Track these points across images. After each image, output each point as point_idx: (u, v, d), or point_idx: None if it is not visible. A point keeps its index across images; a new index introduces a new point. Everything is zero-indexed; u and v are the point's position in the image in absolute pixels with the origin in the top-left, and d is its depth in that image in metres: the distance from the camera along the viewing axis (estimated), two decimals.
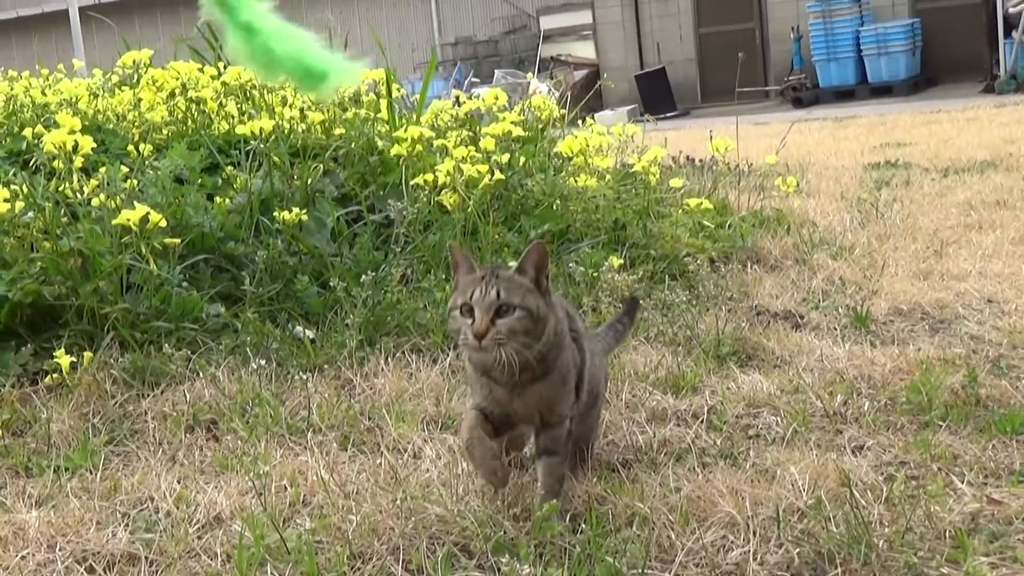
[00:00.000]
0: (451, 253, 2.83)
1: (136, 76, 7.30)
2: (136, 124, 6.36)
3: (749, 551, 2.62)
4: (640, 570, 2.54)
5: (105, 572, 2.79)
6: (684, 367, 4.09)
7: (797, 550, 2.59)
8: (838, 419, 3.53)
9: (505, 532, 2.78)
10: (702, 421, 3.58)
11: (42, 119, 6.36)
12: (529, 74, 12.86)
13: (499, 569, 2.55)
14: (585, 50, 25.84)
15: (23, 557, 2.88)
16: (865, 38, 20.64)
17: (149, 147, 5.65)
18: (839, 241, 6.19)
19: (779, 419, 3.56)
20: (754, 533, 2.70)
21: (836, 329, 4.53)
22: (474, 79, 23.79)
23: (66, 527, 3.04)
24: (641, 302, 3.96)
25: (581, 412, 3.01)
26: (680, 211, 5.95)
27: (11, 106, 7.06)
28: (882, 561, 2.51)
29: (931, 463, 3.11)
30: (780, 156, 7.46)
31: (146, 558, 2.84)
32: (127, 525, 3.06)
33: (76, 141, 4.59)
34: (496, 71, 24.56)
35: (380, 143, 5.84)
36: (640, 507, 2.86)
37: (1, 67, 7.98)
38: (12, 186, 4.68)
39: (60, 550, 2.91)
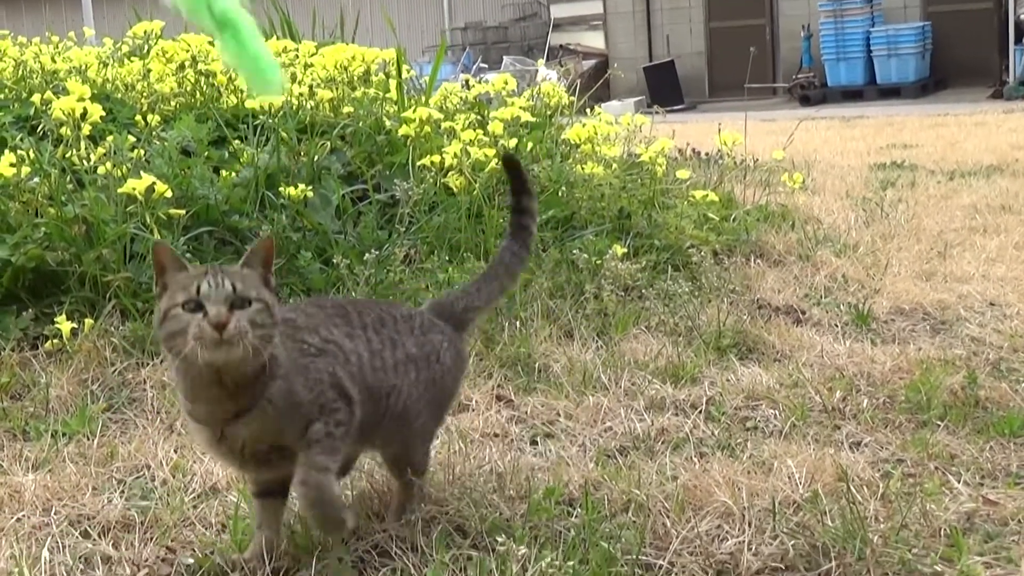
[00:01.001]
0: (155, 254, 2.40)
1: (146, 47, 7.29)
2: (145, 94, 6.35)
3: (744, 541, 2.62)
4: (634, 556, 2.54)
5: (100, 537, 2.79)
6: (684, 357, 4.10)
7: (792, 542, 2.59)
8: (836, 415, 3.53)
9: (500, 513, 2.78)
10: (701, 411, 3.59)
11: (51, 86, 6.34)
12: (540, 60, 12.80)
13: (494, 549, 2.55)
14: (594, 40, 25.79)
15: (18, 519, 2.88)
16: (875, 39, 20.60)
17: (157, 118, 5.64)
18: (843, 239, 6.18)
19: (778, 412, 3.57)
20: (749, 524, 2.71)
21: (837, 326, 4.54)
22: (482, 64, 23.73)
23: (62, 491, 3.05)
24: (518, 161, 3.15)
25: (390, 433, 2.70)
26: (685, 203, 5.95)
27: (20, 71, 7.05)
28: (876, 557, 2.51)
29: (928, 462, 3.12)
30: (786, 153, 7.47)
31: (141, 525, 2.84)
32: (123, 492, 3.07)
33: (85, 109, 4.59)
34: (505, 57, 24.51)
35: (388, 123, 5.83)
36: (636, 494, 2.87)
37: (11, 33, 7.95)
38: (19, 151, 4.68)
39: (55, 514, 2.92)
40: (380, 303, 2.88)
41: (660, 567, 2.54)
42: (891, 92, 20.21)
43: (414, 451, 2.77)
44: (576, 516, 2.76)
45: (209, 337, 2.25)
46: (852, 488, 2.84)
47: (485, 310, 3.00)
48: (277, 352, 2.40)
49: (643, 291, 4.80)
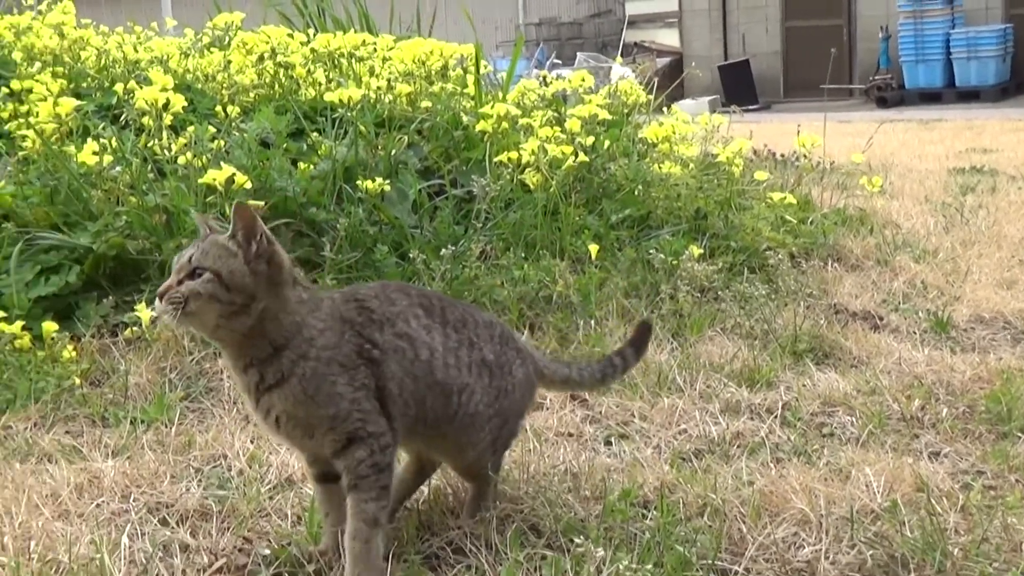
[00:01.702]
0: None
1: (226, 38, 7.35)
2: (225, 85, 6.40)
3: (821, 550, 2.60)
4: (710, 561, 2.52)
5: (178, 525, 2.82)
6: (760, 361, 4.07)
7: (870, 552, 2.56)
8: (915, 423, 3.49)
9: (575, 513, 2.78)
10: (776, 416, 3.56)
11: (133, 75, 6.41)
12: (618, 58, 12.76)
13: (568, 550, 2.55)
14: (669, 38, 25.68)
15: (98, 505, 2.92)
16: (955, 41, 20.31)
17: (236, 109, 5.69)
18: (922, 244, 6.11)
19: (854, 419, 3.53)
20: (826, 532, 2.68)
21: (916, 333, 4.49)
22: (556, 60, 23.70)
23: (140, 478, 3.08)
24: (652, 327, 3.38)
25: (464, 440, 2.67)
26: (762, 204, 5.91)
27: (103, 61, 7.12)
28: (957, 570, 2.48)
29: (1009, 474, 3.08)
30: (864, 155, 7.39)
31: (218, 514, 2.87)
32: (200, 481, 3.10)
33: (167, 99, 4.63)
34: (579, 54, 24.46)
35: (465, 118, 5.83)
36: (712, 498, 2.85)
37: (93, 22, 8.02)
38: (102, 140, 4.74)
39: (134, 500, 2.96)
40: (464, 304, 2.86)
41: (735, 573, 2.53)
42: (970, 95, 19.93)
43: (482, 460, 2.75)
44: (651, 519, 2.75)
45: (159, 307, 2.37)
46: (931, 499, 2.80)
47: (545, 377, 2.93)
48: (309, 331, 2.43)
49: (719, 293, 4.78)
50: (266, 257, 2.41)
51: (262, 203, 4.49)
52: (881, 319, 4.67)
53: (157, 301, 2.37)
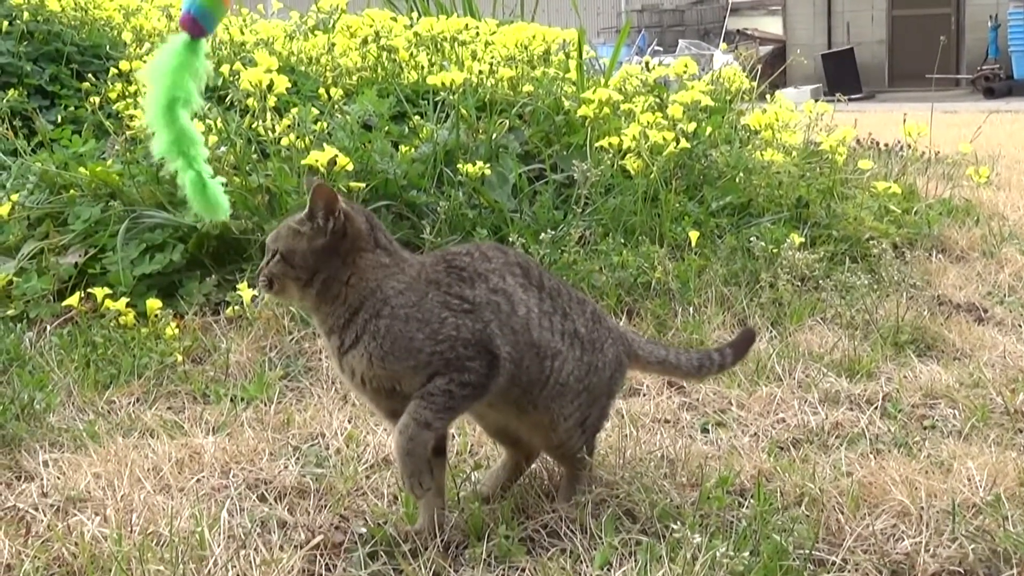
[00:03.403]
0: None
1: (331, 21, 7.42)
2: (328, 68, 6.46)
3: (921, 542, 2.56)
4: (807, 551, 2.50)
5: (276, 502, 2.85)
6: (860, 351, 4.02)
7: (972, 546, 2.52)
8: (1019, 418, 3.43)
9: (671, 500, 2.76)
10: (876, 407, 3.52)
11: (239, 57, 6.48)
12: (723, 45, 12.68)
13: (664, 535, 2.54)
14: (772, 25, 25.48)
15: (198, 480, 2.96)
16: None
17: (339, 91, 5.73)
18: None
19: (957, 412, 3.48)
20: (927, 525, 2.64)
21: (1021, 326, 4.41)
22: (657, 47, 23.60)
23: (240, 455, 3.12)
24: (756, 334, 3.45)
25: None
26: (866, 194, 5.83)
27: (209, 42, 7.20)
28: None
29: None
30: (971, 146, 7.26)
31: (316, 492, 2.89)
32: (298, 459, 3.13)
33: (272, 80, 4.67)
34: (680, 41, 24.36)
35: (567, 103, 5.83)
36: (810, 488, 2.82)
37: None
38: (207, 120, 4.80)
39: (233, 476, 3.00)
40: (560, 279, 2.87)
41: (833, 563, 2.50)
42: None
43: (572, 440, 2.74)
44: (748, 507, 2.73)
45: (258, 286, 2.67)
46: None
47: (640, 359, 2.91)
48: (385, 291, 2.51)
49: (819, 282, 4.72)
50: (341, 232, 2.53)
51: (362, 184, 4.53)
52: (986, 311, 4.60)
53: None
